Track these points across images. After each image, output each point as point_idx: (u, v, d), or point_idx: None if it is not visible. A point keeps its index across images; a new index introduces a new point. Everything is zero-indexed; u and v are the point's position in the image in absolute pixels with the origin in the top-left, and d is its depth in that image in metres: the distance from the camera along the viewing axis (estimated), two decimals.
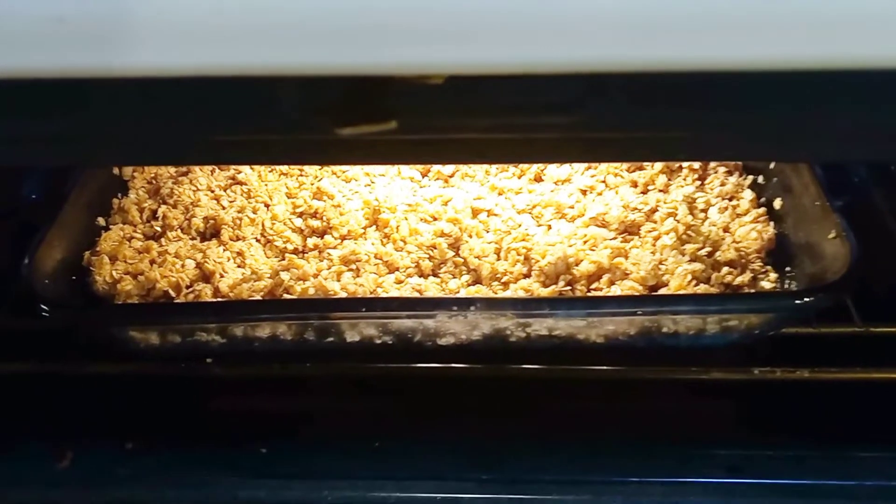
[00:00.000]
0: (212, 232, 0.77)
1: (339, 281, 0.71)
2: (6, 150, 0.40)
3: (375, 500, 0.62)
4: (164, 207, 0.79)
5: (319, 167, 0.83)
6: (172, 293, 0.71)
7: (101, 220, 0.77)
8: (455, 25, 0.35)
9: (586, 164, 0.82)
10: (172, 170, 0.83)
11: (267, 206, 0.80)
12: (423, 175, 0.84)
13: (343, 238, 0.76)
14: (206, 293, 0.71)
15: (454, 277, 0.72)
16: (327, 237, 0.76)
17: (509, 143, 0.46)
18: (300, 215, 0.78)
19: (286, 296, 0.70)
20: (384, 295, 0.70)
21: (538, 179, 0.83)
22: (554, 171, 0.83)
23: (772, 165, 0.77)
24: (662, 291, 0.69)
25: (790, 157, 0.63)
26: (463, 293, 0.70)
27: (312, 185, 0.82)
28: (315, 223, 0.77)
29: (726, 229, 0.75)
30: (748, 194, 0.78)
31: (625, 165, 0.81)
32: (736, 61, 0.36)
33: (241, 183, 0.82)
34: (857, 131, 0.44)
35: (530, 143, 0.45)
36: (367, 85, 0.35)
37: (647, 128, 0.43)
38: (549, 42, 0.36)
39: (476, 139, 0.44)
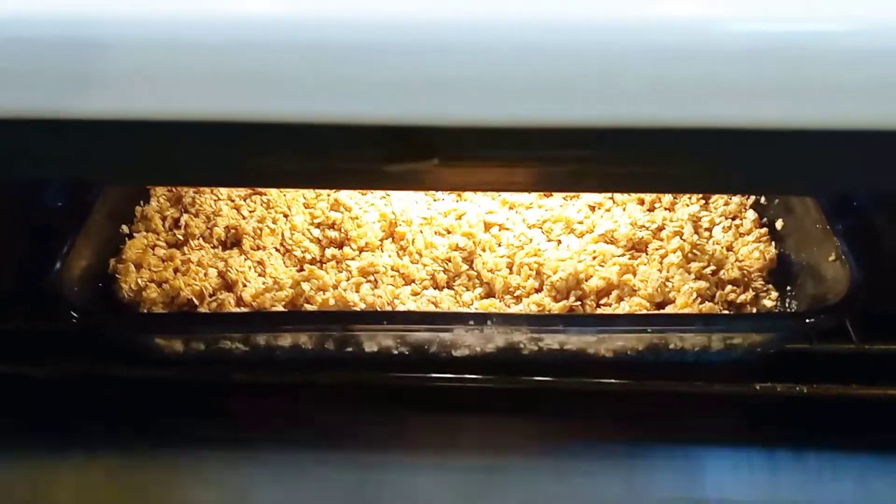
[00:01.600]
0: (233, 241, 0.80)
1: (357, 292, 0.73)
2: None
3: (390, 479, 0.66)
4: (186, 216, 0.81)
5: None
6: (196, 301, 0.73)
7: (124, 228, 0.79)
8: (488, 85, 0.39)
9: None
10: None
11: (286, 216, 0.82)
12: None
13: (361, 250, 0.78)
14: (228, 302, 0.73)
15: (468, 290, 0.75)
16: (346, 248, 0.78)
17: (534, 174, 0.49)
18: (318, 226, 0.81)
19: (307, 306, 0.72)
20: (404, 308, 0.72)
21: (547, 195, 0.86)
22: None
23: None
24: (669, 309, 0.72)
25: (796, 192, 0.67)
26: (476, 306, 0.73)
27: (329, 196, 0.84)
28: (333, 234, 0.79)
29: (730, 248, 0.78)
30: (751, 214, 0.80)
31: None
32: (748, 120, 0.40)
33: (260, 193, 0.84)
34: (859, 172, 0.47)
35: (554, 174, 0.49)
36: (415, 131, 0.37)
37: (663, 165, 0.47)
38: (575, 100, 0.40)
39: (508, 170, 0.47)
